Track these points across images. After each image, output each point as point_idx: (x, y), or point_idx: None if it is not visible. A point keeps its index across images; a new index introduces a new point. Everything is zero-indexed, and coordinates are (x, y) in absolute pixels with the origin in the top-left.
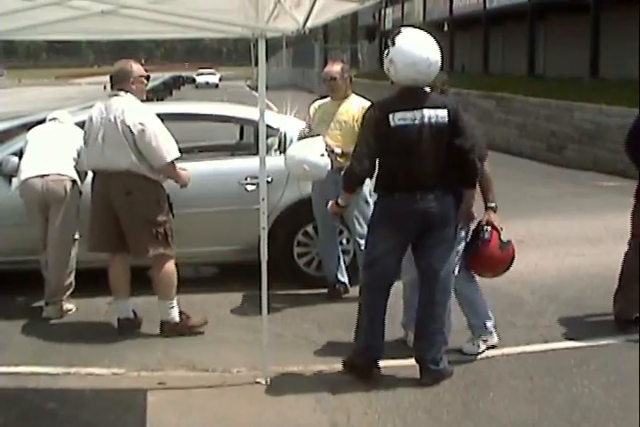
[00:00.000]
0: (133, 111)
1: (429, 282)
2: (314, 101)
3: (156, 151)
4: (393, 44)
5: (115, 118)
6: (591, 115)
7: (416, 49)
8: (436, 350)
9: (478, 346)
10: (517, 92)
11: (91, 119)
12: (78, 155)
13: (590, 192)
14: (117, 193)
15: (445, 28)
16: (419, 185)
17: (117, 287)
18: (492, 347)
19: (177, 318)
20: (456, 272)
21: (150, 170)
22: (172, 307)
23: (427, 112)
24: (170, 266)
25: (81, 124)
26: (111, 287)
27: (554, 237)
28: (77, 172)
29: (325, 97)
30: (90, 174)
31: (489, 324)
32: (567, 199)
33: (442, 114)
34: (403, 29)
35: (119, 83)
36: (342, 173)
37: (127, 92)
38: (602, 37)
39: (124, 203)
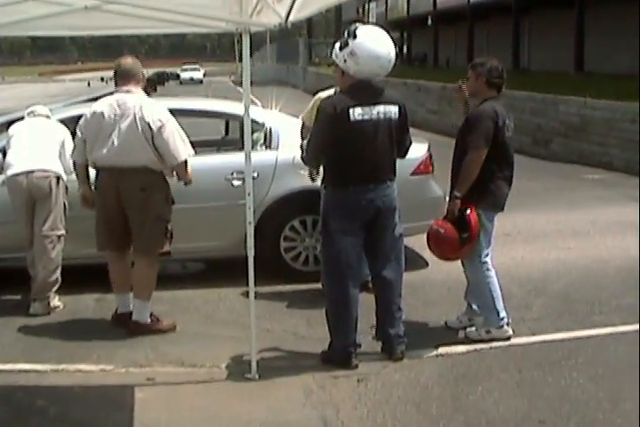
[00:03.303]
0: (151, 108)
1: (383, 267)
2: (317, 93)
3: (172, 149)
4: (354, 37)
5: (133, 115)
6: (576, 108)
7: (379, 44)
8: (398, 325)
9: (479, 334)
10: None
11: (102, 116)
12: (60, 152)
13: (576, 185)
14: (131, 190)
15: (429, 22)
16: (372, 177)
17: (119, 283)
18: (495, 340)
19: (147, 320)
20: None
21: (166, 167)
22: (146, 307)
23: (382, 108)
24: (156, 266)
25: (66, 121)
26: (112, 283)
27: (540, 231)
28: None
29: (327, 88)
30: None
31: (492, 317)
32: (553, 193)
33: (394, 110)
34: (359, 24)
35: (129, 79)
36: None
37: (137, 88)
38: (586, 32)
39: (138, 200)
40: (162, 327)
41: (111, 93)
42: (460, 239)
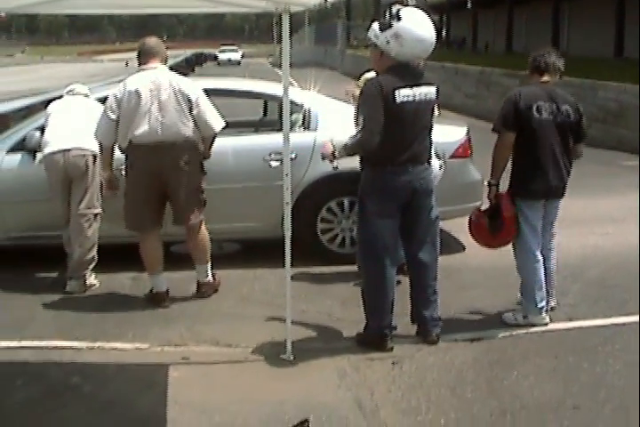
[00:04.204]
0: (186, 81)
1: (419, 249)
2: (363, 74)
3: (209, 120)
4: (398, 19)
5: (172, 88)
6: (615, 94)
7: (424, 27)
8: (434, 307)
9: (515, 319)
10: None
11: (138, 93)
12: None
13: (614, 171)
14: (174, 166)
15: (469, 5)
16: (411, 158)
17: (153, 262)
18: (532, 325)
19: (211, 279)
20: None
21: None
22: (208, 268)
23: (424, 89)
24: (205, 230)
25: (104, 100)
26: (145, 263)
27: (578, 217)
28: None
29: (370, 70)
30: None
31: (530, 305)
32: (591, 179)
33: (433, 91)
34: (400, 6)
35: (156, 55)
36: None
37: (162, 65)
38: (627, 16)
39: (181, 173)
40: (217, 284)
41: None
42: (490, 227)
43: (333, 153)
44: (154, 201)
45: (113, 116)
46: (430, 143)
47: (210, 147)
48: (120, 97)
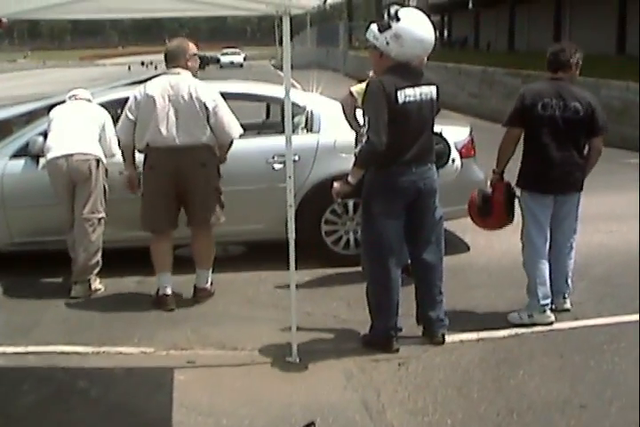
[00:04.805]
0: (205, 88)
1: (423, 250)
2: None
3: (226, 127)
4: (397, 20)
5: (189, 95)
6: (618, 92)
7: (423, 27)
8: (440, 308)
9: (520, 318)
10: (544, 70)
11: (155, 98)
12: (100, 135)
13: (619, 169)
14: (192, 166)
15: (470, 5)
16: (415, 158)
17: (162, 264)
18: (538, 325)
19: (210, 285)
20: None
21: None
22: (209, 275)
23: (424, 89)
24: (212, 235)
25: (106, 104)
26: (154, 264)
27: (582, 215)
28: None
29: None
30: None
31: (532, 301)
32: (595, 176)
33: (433, 90)
34: (398, 7)
35: (175, 60)
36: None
37: (185, 70)
38: (629, 14)
39: (200, 175)
40: (213, 290)
41: (156, 76)
42: (480, 209)
43: (346, 180)
44: (171, 202)
45: (131, 117)
46: (433, 143)
47: (227, 152)
48: (139, 99)
